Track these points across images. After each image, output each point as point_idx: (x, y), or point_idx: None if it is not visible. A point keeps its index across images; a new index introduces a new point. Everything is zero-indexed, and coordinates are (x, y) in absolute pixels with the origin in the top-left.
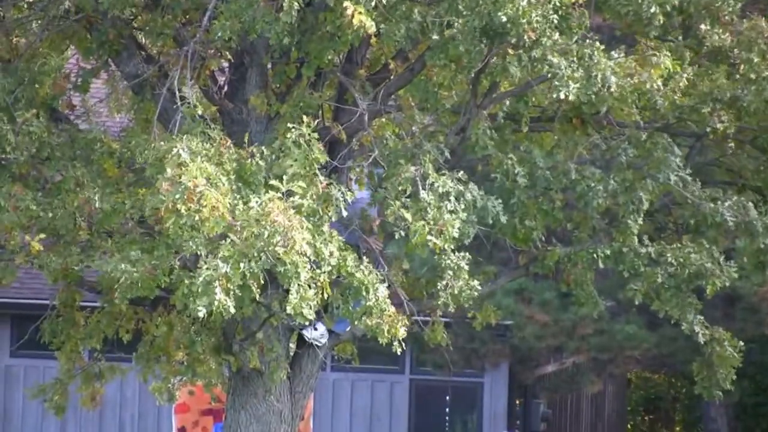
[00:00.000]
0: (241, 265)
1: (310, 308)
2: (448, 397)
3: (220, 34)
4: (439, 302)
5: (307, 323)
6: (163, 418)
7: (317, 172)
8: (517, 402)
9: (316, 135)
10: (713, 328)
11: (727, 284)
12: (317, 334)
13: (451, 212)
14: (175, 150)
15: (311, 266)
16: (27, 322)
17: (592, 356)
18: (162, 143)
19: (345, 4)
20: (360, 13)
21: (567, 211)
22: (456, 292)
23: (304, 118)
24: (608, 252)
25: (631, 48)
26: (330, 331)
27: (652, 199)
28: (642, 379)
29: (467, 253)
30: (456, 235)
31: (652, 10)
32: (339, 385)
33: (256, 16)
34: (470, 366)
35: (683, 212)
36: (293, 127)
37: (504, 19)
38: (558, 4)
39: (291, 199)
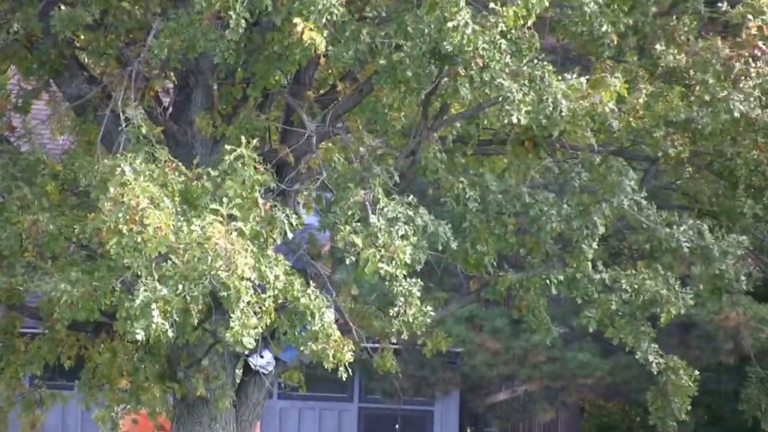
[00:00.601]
0: (180, 287)
1: (251, 336)
2: (397, 426)
3: (156, 52)
4: (393, 330)
5: (246, 352)
6: None
7: (258, 194)
8: (469, 430)
9: (255, 156)
10: (668, 357)
11: (683, 311)
12: (263, 362)
13: (402, 237)
14: (119, 169)
15: (256, 290)
16: None
17: (544, 384)
18: (106, 162)
19: (295, 20)
20: (310, 29)
21: (519, 236)
22: (409, 319)
23: (243, 139)
24: (561, 278)
25: (587, 69)
26: (276, 359)
27: (607, 223)
28: (596, 407)
29: (419, 279)
30: (408, 261)
31: (604, 29)
32: (286, 413)
33: (197, 34)
34: (420, 394)
35: (638, 237)
36: (232, 149)
37: (450, 48)
38: (505, 28)
39: (233, 222)
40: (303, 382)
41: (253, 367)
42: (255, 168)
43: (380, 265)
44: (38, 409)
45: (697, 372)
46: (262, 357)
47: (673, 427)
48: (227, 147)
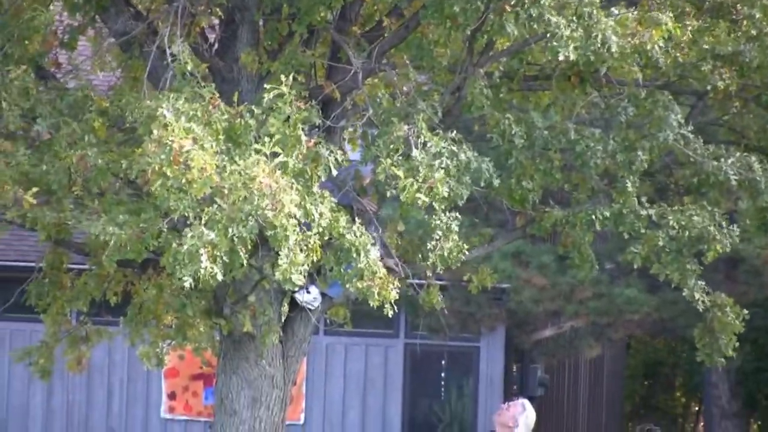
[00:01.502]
0: (229, 230)
1: (300, 274)
2: (443, 362)
3: None
4: (428, 263)
5: (294, 289)
6: (153, 383)
7: (300, 131)
8: (514, 367)
9: (294, 93)
10: (715, 294)
11: (728, 249)
12: (310, 298)
13: (443, 171)
14: (160, 110)
15: (301, 228)
16: (13, 285)
17: (590, 320)
18: (148, 102)
19: None
20: None
21: (565, 172)
22: (445, 253)
23: (282, 78)
24: (607, 214)
25: (633, 4)
26: (323, 295)
27: (652, 158)
28: (642, 344)
29: (458, 215)
30: (446, 194)
31: None
32: (332, 349)
33: None
34: (466, 330)
35: (685, 172)
36: (273, 87)
37: None
38: None
39: (276, 160)
40: (349, 318)
41: (299, 302)
42: (297, 106)
43: (418, 195)
44: (84, 346)
45: (745, 311)
46: (308, 293)
47: (720, 362)
48: (266, 86)
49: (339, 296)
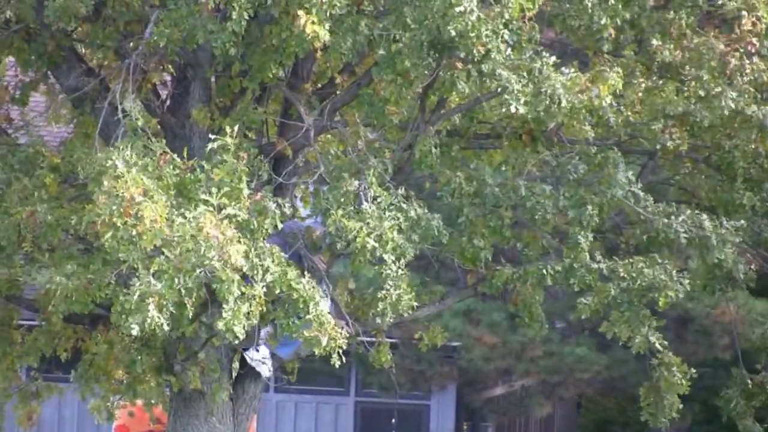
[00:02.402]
0: (176, 280)
1: (242, 327)
2: (394, 420)
3: (156, 39)
4: (378, 310)
5: (237, 341)
6: None
7: (244, 184)
8: (465, 425)
9: (237, 144)
10: (663, 352)
11: (681, 296)
12: (259, 356)
13: (392, 220)
14: (110, 162)
15: (248, 282)
16: None
17: (541, 379)
18: (100, 155)
19: (299, 12)
20: (313, 22)
21: (516, 230)
22: (394, 300)
23: (227, 129)
24: (559, 268)
25: (585, 64)
26: (273, 354)
27: (603, 216)
28: (593, 403)
29: (408, 270)
30: (396, 243)
31: (603, 21)
32: (282, 407)
33: (197, 24)
34: (417, 388)
35: (635, 231)
36: (216, 138)
37: (453, 33)
38: (508, 18)
39: (223, 211)
40: (295, 370)
41: (249, 361)
42: (239, 157)
43: (368, 240)
44: (35, 401)
45: (693, 369)
46: (257, 351)
47: (663, 423)
48: (210, 136)
49: (289, 357)
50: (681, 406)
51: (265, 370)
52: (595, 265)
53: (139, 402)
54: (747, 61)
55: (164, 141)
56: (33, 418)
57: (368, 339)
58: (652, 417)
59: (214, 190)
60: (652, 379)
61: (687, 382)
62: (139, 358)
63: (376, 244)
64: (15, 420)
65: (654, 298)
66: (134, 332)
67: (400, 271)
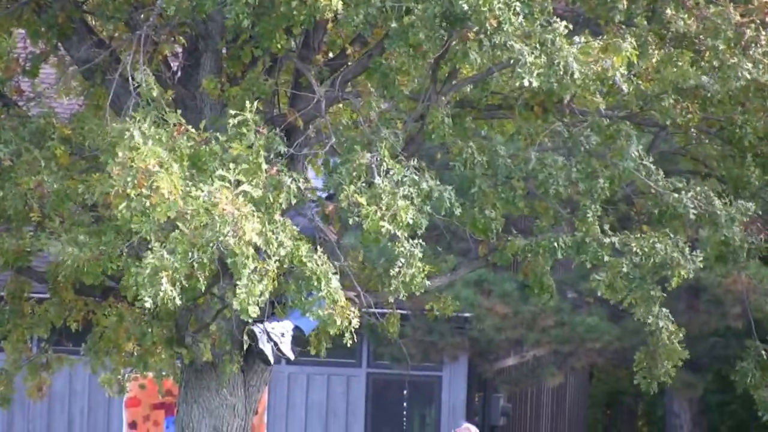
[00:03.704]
0: (189, 254)
1: (257, 305)
2: (405, 391)
3: (165, 7)
4: (390, 289)
5: (250, 320)
6: (114, 413)
7: (262, 159)
8: (477, 396)
9: (257, 120)
10: (665, 321)
11: (692, 275)
12: (280, 328)
13: (405, 197)
14: (127, 133)
15: (261, 256)
16: None
17: (552, 349)
18: (114, 125)
19: None
20: None
21: (528, 200)
22: (407, 279)
23: (247, 103)
24: (569, 242)
25: (596, 34)
26: (295, 327)
27: (614, 188)
28: (604, 373)
29: (421, 241)
30: (410, 221)
31: None
32: (294, 378)
33: None
34: (428, 359)
35: (647, 202)
36: (236, 113)
37: (465, 7)
38: None
39: (239, 187)
40: (323, 345)
41: (259, 342)
42: (257, 132)
43: (381, 223)
44: (45, 373)
45: (681, 333)
46: (278, 323)
47: (653, 388)
48: (231, 111)
49: (310, 331)
50: (690, 374)
51: (270, 354)
52: (607, 240)
53: (150, 374)
54: (763, 32)
55: (179, 111)
56: (43, 389)
57: (379, 311)
58: (645, 381)
59: (231, 165)
60: (649, 345)
61: (683, 348)
62: (150, 330)
63: (391, 227)
64: (25, 391)
65: (666, 275)
66: (147, 305)
67: (413, 249)
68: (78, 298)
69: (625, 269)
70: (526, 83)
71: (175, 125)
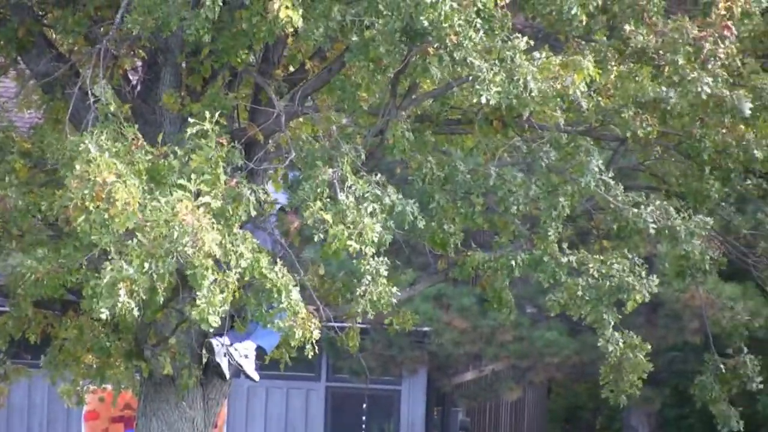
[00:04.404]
0: (146, 265)
1: (217, 314)
2: (365, 405)
3: (129, 26)
4: (358, 309)
5: (211, 330)
6: (73, 425)
7: (221, 170)
8: (435, 410)
9: (217, 130)
10: (626, 334)
11: (647, 299)
12: (243, 349)
13: (370, 215)
14: (82, 146)
15: (221, 268)
16: None
17: (511, 363)
18: (72, 139)
19: None
20: (287, 7)
21: (487, 215)
22: (374, 298)
23: (207, 114)
24: (527, 260)
25: (556, 49)
26: (258, 347)
27: (573, 203)
28: (563, 388)
29: (386, 258)
30: (376, 239)
31: (573, 11)
32: (253, 392)
33: (170, 12)
34: (388, 373)
35: (606, 217)
36: (195, 123)
37: (426, 23)
38: (481, 6)
39: (199, 198)
40: (285, 358)
41: (216, 356)
42: (220, 144)
43: (348, 242)
44: (2, 383)
45: (649, 347)
46: (240, 343)
47: (623, 401)
48: (190, 120)
49: (272, 348)
50: (648, 388)
51: (226, 368)
52: (564, 259)
53: (109, 387)
54: (721, 46)
55: (136, 126)
56: (1, 400)
57: (339, 324)
58: (613, 395)
59: (193, 176)
60: (610, 360)
61: (649, 360)
62: (109, 343)
63: (357, 246)
64: None
65: (622, 299)
66: (103, 317)
67: (379, 267)
68: (37, 311)
69: (580, 292)
70: (484, 100)
71: (132, 140)
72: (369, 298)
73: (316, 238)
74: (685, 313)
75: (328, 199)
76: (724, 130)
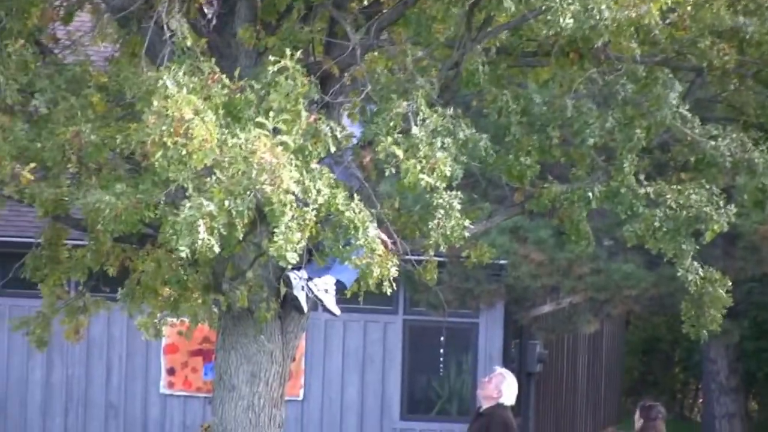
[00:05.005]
0: (227, 203)
1: (295, 251)
2: (442, 338)
3: None
4: (431, 242)
5: (289, 266)
6: (152, 359)
7: (302, 107)
8: (513, 343)
9: (299, 68)
10: (706, 269)
11: (725, 229)
12: (322, 284)
13: (443, 148)
14: (161, 82)
15: (299, 205)
16: (12, 261)
17: (588, 296)
18: (150, 74)
19: None
20: None
21: (564, 148)
22: (447, 232)
23: (287, 51)
24: (605, 191)
25: None
26: (337, 281)
27: (650, 136)
28: (641, 320)
29: (459, 192)
30: (448, 173)
31: None
32: (331, 325)
33: None
34: (465, 306)
35: (683, 149)
36: (276, 60)
37: None
38: None
39: (278, 136)
40: (362, 292)
41: (294, 289)
42: (299, 80)
43: (421, 176)
44: (82, 316)
45: (730, 283)
46: (320, 278)
47: (704, 336)
48: (270, 58)
49: (351, 283)
50: (727, 320)
51: (304, 301)
52: (642, 190)
53: (186, 320)
54: None
55: (213, 60)
56: (80, 332)
57: (416, 258)
58: (694, 330)
59: (271, 114)
60: (693, 293)
61: (730, 295)
62: (186, 276)
63: (430, 180)
64: (63, 334)
65: (700, 229)
66: (183, 254)
67: (452, 200)
68: (115, 244)
69: (657, 223)
70: (561, 22)
71: (209, 74)
72: (442, 232)
73: (387, 173)
74: (764, 245)
75: (401, 134)
76: None
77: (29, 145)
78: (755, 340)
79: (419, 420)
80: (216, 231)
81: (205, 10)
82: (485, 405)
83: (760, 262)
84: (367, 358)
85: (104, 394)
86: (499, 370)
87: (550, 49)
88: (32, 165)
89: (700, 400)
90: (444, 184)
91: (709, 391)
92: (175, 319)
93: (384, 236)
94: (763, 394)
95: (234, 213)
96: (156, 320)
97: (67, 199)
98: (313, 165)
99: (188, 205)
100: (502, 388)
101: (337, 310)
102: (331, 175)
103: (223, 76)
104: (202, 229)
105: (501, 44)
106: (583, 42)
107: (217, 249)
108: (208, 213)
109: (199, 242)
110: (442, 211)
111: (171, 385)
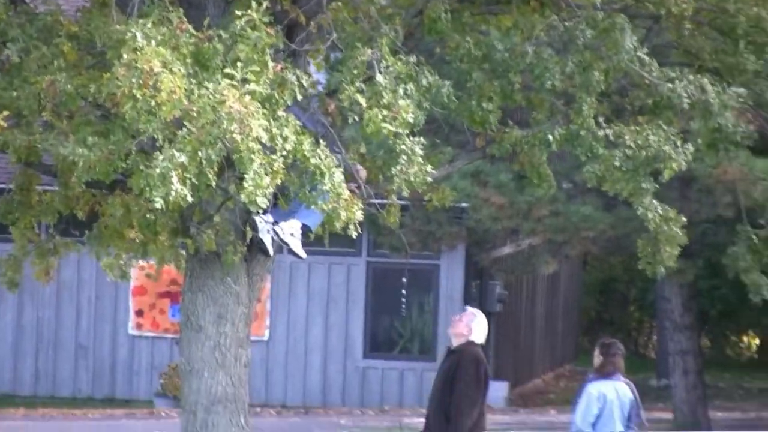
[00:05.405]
0: (198, 153)
1: (265, 196)
2: (405, 279)
3: None
4: (394, 187)
5: (259, 210)
6: (121, 301)
7: (268, 57)
8: (474, 283)
9: (265, 19)
10: (662, 206)
11: (684, 168)
12: (288, 227)
13: (406, 95)
14: (130, 34)
15: (266, 152)
16: None
17: (547, 238)
18: (118, 27)
19: None
20: None
21: (524, 93)
22: (410, 177)
23: (253, 3)
24: (564, 134)
25: None
26: (304, 225)
27: (608, 80)
28: (598, 261)
29: (422, 138)
30: (411, 120)
31: None
32: (296, 267)
33: None
34: (427, 248)
35: (640, 93)
36: (243, 13)
37: None
38: None
39: (246, 86)
40: (326, 234)
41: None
42: (266, 32)
43: (383, 124)
44: (52, 257)
45: (684, 219)
46: (286, 222)
47: (661, 273)
48: (238, 12)
49: (315, 226)
50: (681, 260)
51: (269, 244)
52: (601, 132)
53: (153, 261)
54: None
55: (181, 10)
56: (50, 273)
57: (379, 201)
58: (649, 266)
59: (239, 64)
60: (650, 232)
61: (684, 233)
62: (155, 221)
63: (392, 127)
64: (32, 274)
65: (659, 168)
66: (158, 206)
67: (414, 146)
68: (85, 190)
69: (617, 162)
70: None
71: (177, 23)
72: (405, 177)
73: (350, 120)
74: (718, 188)
75: (366, 81)
76: (756, 7)
77: (2, 93)
78: (708, 279)
79: (382, 359)
80: (188, 181)
81: None
82: (456, 342)
83: (714, 204)
84: (331, 299)
85: (74, 336)
86: (470, 309)
87: None
88: (5, 113)
89: (655, 338)
90: (406, 131)
91: (664, 328)
92: (142, 261)
93: (360, 167)
94: (715, 331)
95: (205, 162)
96: (122, 262)
97: (39, 146)
98: (280, 113)
99: (161, 157)
100: (473, 325)
101: (302, 253)
102: (297, 122)
103: (191, 26)
104: (175, 180)
105: None
106: None
107: (190, 198)
108: (180, 164)
109: (173, 193)
110: (405, 157)
111: (139, 326)
